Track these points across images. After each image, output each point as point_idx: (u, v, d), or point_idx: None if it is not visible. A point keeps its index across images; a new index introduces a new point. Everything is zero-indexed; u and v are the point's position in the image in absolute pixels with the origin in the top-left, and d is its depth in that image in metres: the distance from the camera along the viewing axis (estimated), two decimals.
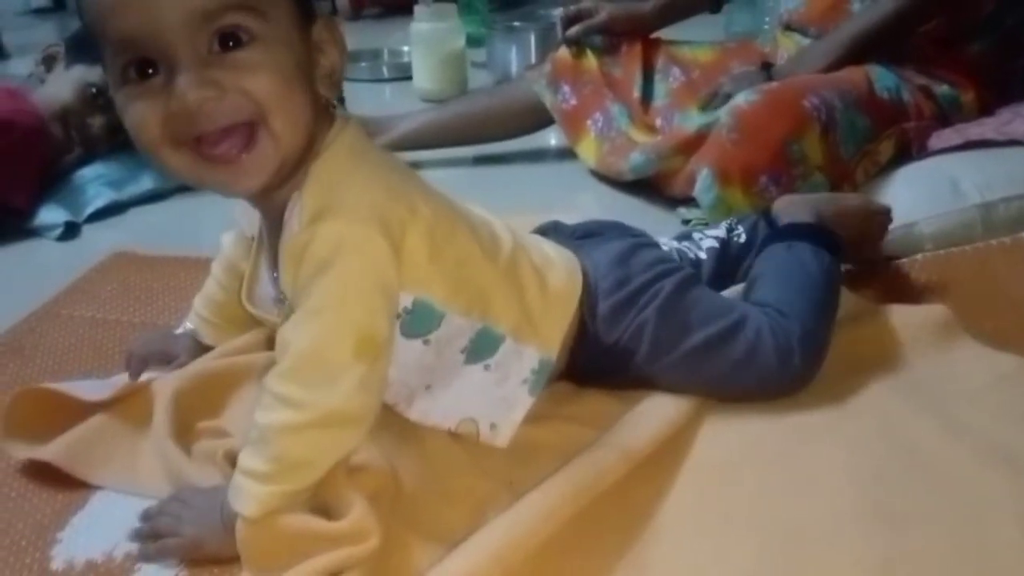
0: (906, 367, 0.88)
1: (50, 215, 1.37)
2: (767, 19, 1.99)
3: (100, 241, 1.32)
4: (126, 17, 0.59)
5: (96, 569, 0.69)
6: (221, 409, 0.84)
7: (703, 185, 1.18)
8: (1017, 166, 1.13)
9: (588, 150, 1.48)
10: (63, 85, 1.48)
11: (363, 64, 2.25)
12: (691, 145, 1.24)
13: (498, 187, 1.52)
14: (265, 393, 0.65)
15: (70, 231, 1.37)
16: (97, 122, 1.49)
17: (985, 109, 1.30)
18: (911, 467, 0.74)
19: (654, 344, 0.80)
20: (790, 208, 0.99)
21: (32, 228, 1.36)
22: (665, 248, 0.94)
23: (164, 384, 0.85)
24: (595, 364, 0.82)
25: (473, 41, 2.19)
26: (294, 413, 0.63)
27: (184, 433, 0.80)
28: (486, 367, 0.76)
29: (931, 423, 0.79)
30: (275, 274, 0.72)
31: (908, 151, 1.22)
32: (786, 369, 0.81)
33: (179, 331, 0.96)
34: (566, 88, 1.50)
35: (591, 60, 1.52)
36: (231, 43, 0.60)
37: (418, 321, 0.70)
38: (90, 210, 1.41)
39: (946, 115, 1.28)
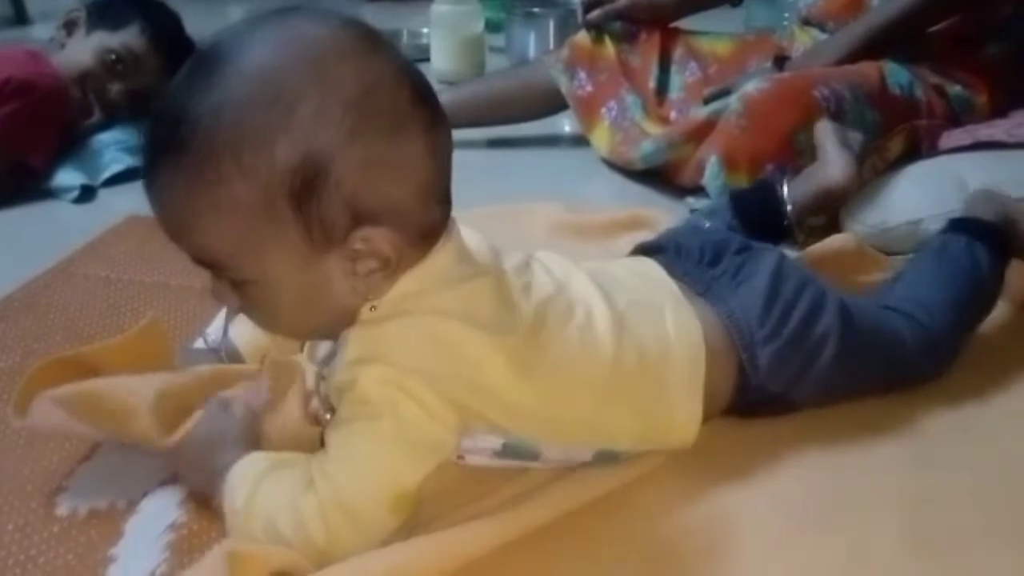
0: None
1: (67, 177, 1.39)
2: (786, 15, 1.98)
3: (116, 205, 1.34)
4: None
5: (99, 516, 0.70)
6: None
7: (711, 172, 1.19)
8: None
9: (601, 138, 1.49)
10: (83, 50, 1.50)
11: None
12: (701, 132, 1.25)
13: (510, 171, 1.53)
14: (311, 484, 0.62)
15: (86, 194, 1.38)
16: (116, 88, 1.50)
17: (998, 112, 1.30)
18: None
19: (822, 392, 0.78)
20: (983, 203, 0.98)
21: (49, 189, 1.38)
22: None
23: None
24: (754, 410, 0.78)
25: (492, 26, 2.20)
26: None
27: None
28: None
29: None
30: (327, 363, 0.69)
31: (918, 149, 1.23)
32: (924, 369, 0.83)
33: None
34: (582, 74, 1.51)
35: (609, 47, 1.52)
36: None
37: (515, 453, 0.69)
38: (107, 175, 1.42)
39: (957, 115, 1.28)
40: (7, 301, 1.03)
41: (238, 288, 0.62)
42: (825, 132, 1.11)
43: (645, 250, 0.87)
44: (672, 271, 0.79)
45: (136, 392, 0.70)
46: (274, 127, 0.56)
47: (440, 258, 0.64)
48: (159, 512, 0.70)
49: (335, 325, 0.64)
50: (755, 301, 0.76)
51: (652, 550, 0.66)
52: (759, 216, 0.95)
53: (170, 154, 0.58)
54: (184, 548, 0.67)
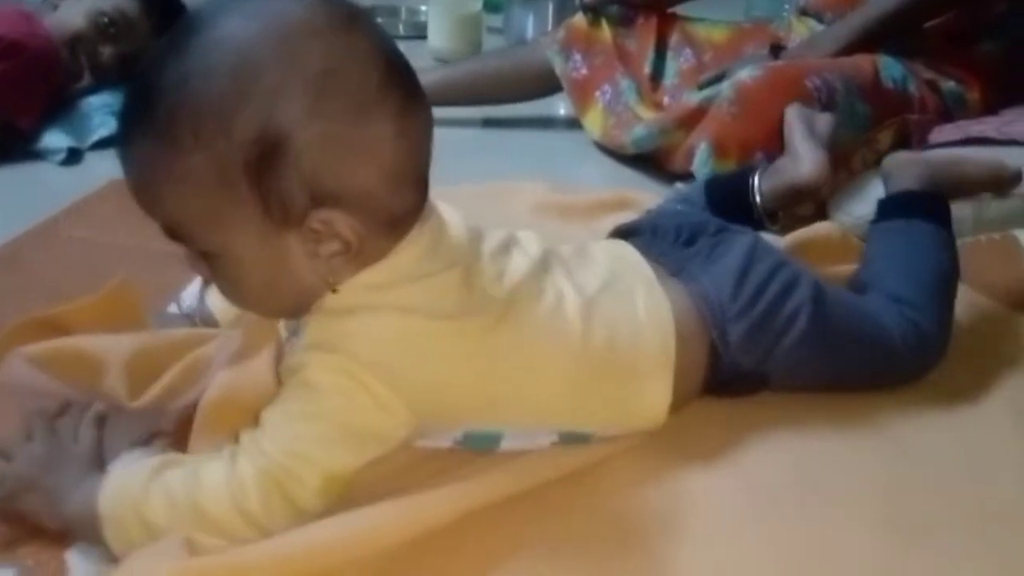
0: None
1: (55, 139, 1.39)
2: (786, 6, 1.98)
3: (102, 169, 1.33)
4: None
5: None
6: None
7: (700, 159, 1.19)
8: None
9: (594, 122, 1.48)
10: (75, 12, 1.49)
11: (379, 20, 2.25)
12: (693, 118, 1.24)
13: (503, 151, 1.53)
14: (235, 455, 0.61)
15: (73, 157, 1.38)
16: (107, 51, 1.49)
17: (990, 109, 1.30)
18: None
19: (795, 371, 0.78)
20: (902, 169, 0.96)
21: (36, 151, 1.37)
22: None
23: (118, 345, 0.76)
24: (728, 388, 0.78)
25: (491, 6, 2.18)
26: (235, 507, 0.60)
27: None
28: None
29: None
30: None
31: (908, 143, 1.23)
32: (915, 367, 0.83)
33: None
34: (577, 56, 1.51)
35: (605, 30, 1.51)
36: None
37: (476, 443, 0.69)
38: (94, 138, 1.41)
39: (950, 111, 1.28)
40: None
41: (207, 260, 0.62)
42: (791, 122, 1.09)
43: (622, 232, 0.87)
44: (648, 253, 0.79)
45: (110, 349, 0.70)
46: (234, 100, 0.55)
47: (409, 251, 0.63)
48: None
49: (300, 305, 0.64)
50: (727, 279, 0.76)
51: (616, 527, 0.66)
52: (732, 205, 0.95)
53: (137, 122, 0.58)
54: None
